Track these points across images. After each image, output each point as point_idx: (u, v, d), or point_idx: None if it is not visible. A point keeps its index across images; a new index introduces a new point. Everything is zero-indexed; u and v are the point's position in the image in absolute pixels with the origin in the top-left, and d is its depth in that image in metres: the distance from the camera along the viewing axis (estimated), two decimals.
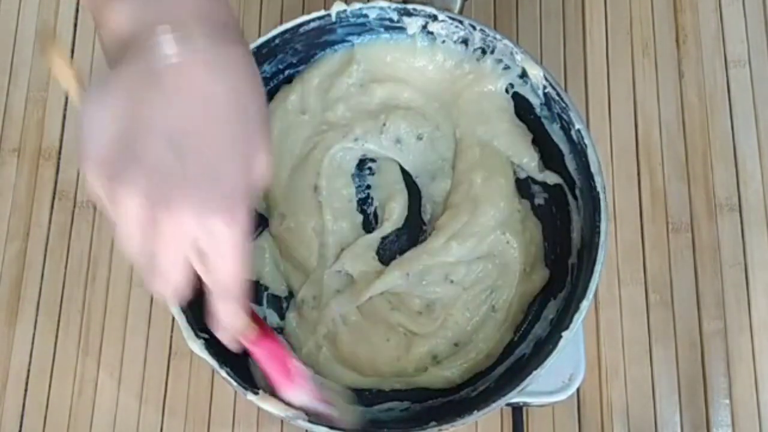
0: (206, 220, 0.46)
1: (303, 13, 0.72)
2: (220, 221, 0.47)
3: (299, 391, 0.62)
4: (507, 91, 0.75)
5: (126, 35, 0.46)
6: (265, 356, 0.60)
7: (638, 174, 0.84)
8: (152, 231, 0.46)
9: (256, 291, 0.75)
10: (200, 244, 0.48)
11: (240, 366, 0.65)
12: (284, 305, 0.76)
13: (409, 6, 0.71)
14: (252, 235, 0.49)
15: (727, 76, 0.86)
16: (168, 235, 0.47)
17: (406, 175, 0.78)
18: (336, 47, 0.77)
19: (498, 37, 0.70)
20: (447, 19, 0.71)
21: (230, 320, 0.54)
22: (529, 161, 0.75)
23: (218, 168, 0.46)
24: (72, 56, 0.88)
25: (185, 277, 0.49)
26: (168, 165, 0.45)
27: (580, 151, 0.69)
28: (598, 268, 0.65)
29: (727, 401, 0.77)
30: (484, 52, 0.73)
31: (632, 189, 0.83)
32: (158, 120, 0.45)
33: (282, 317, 0.75)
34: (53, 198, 0.84)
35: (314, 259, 0.75)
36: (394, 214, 0.76)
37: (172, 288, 0.50)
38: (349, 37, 0.76)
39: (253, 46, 0.71)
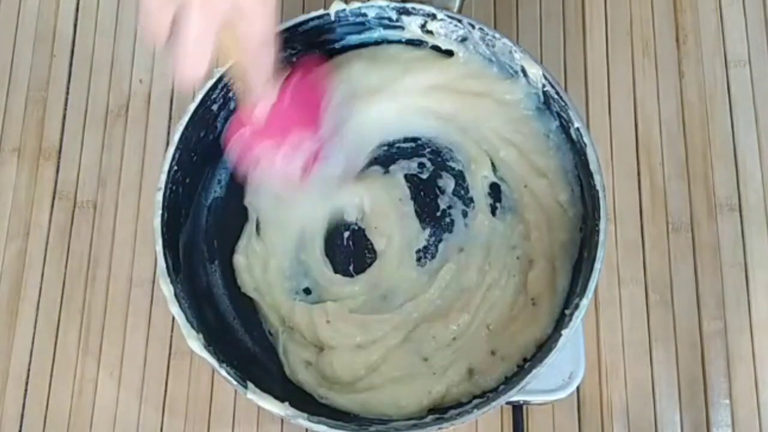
0: None
1: (303, 13, 0.72)
2: None
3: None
4: None
5: None
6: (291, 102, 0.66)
7: (638, 174, 0.84)
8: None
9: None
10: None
11: (240, 364, 0.65)
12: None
13: (408, 5, 0.71)
14: None
15: (727, 76, 0.86)
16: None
17: None
18: None
19: (497, 35, 0.70)
20: (446, 18, 0.71)
21: (260, 75, 0.62)
22: None
23: None
24: (72, 56, 0.89)
25: (207, 41, 0.54)
26: None
27: (579, 150, 0.69)
28: (597, 266, 0.65)
29: (727, 401, 0.77)
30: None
31: (632, 189, 0.83)
32: None
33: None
34: (53, 198, 0.84)
35: None
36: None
37: (201, 59, 0.54)
38: (348, 37, 0.76)
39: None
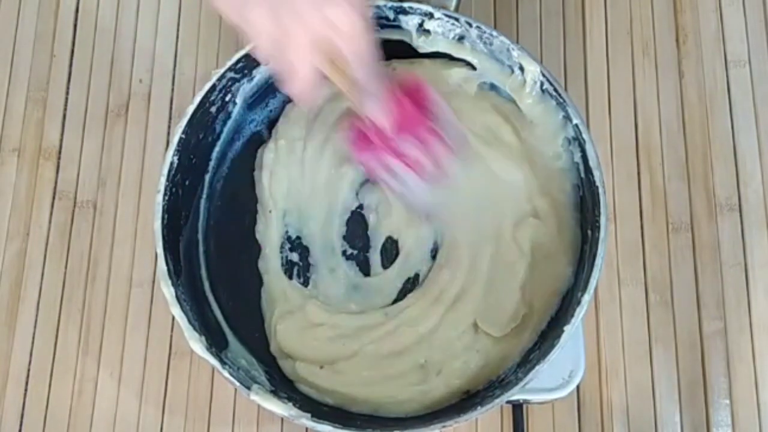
0: (327, 11, 0.57)
1: None
2: (340, 10, 0.57)
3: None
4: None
5: None
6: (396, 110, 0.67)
7: (638, 174, 0.84)
8: (284, 39, 0.58)
9: None
10: (327, 38, 0.58)
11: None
12: None
13: (405, 4, 0.71)
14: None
15: (727, 76, 0.86)
16: (297, 37, 0.58)
17: None
18: None
19: (494, 33, 0.70)
20: (443, 16, 0.71)
21: (373, 86, 0.64)
22: None
23: None
24: (72, 56, 0.89)
25: (315, 75, 0.61)
26: None
27: (578, 146, 0.69)
28: (598, 262, 0.65)
29: (727, 401, 0.77)
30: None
31: (632, 189, 0.83)
32: None
33: None
34: (53, 198, 0.84)
35: None
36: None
37: (307, 84, 0.61)
38: None
39: (248, 49, 0.70)
